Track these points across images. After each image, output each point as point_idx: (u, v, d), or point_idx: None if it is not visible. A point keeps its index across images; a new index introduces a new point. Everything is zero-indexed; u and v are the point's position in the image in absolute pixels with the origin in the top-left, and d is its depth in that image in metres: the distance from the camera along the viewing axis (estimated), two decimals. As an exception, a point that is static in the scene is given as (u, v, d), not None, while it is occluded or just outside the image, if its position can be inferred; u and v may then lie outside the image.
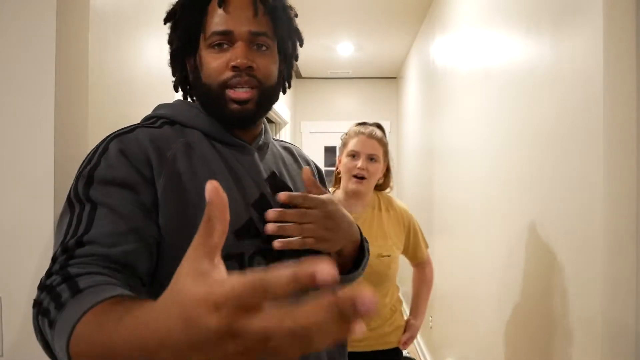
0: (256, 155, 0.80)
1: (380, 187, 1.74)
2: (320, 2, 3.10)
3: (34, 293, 0.84)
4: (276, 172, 0.83)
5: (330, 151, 5.49)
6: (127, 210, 0.64)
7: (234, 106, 0.75)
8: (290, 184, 0.83)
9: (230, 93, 0.74)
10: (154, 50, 1.30)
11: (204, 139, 0.76)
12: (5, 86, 0.86)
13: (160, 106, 0.83)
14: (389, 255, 1.59)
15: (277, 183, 0.81)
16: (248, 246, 0.71)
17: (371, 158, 1.61)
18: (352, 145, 1.62)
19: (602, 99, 1.01)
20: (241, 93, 0.74)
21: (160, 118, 0.79)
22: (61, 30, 0.88)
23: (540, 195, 1.35)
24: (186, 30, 0.79)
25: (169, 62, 0.84)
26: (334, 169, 5.90)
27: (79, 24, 0.94)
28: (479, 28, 2.05)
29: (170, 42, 0.83)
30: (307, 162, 0.94)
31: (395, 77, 5.33)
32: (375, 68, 4.98)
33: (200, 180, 0.71)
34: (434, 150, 3.11)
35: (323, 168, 5.40)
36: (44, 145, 0.86)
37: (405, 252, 1.72)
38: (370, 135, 1.62)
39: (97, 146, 0.71)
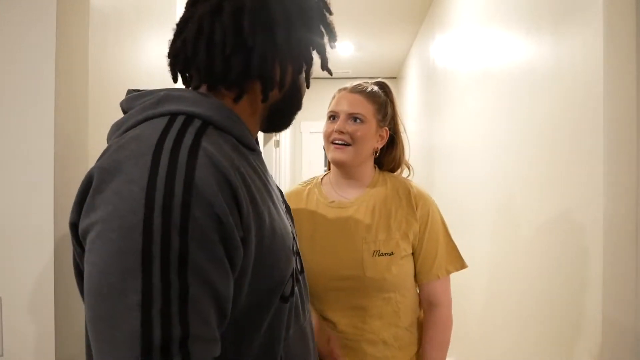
0: (263, 159, 0.78)
1: (384, 165, 1.26)
2: (320, 2, 3.09)
3: (34, 293, 0.84)
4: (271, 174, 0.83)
5: (330, 151, 5.48)
6: (222, 287, 0.53)
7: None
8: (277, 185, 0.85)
9: None
10: (154, 50, 1.30)
11: (238, 146, 0.65)
12: (5, 86, 0.86)
13: (175, 97, 0.62)
14: (390, 254, 1.11)
15: (277, 187, 0.82)
16: (295, 260, 0.72)
17: (354, 118, 1.15)
18: (331, 105, 1.21)
19: (602, 99, 1.01)
20: None
21: (192, 116, 0.60)
22: (61, 30, 0.88)
23: (540, 195, 1.35)
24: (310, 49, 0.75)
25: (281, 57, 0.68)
26: (334, 168, 5.80)
27: (79, 24, 0.94)
28: (479, 28, 2.05)
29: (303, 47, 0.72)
30: None
31: (395, 77, 5.33)
32: (375, 68, 4.98)
33: (265, 204, 0.63)
34: (434, 150, 3.10)
35: (323, 168, 5.43)
36: (44, 145, 0.86)
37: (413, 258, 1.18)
38: (354, 89, 1.18)
39: (169, 163, 0.52)
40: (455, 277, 1.26)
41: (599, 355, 1.02)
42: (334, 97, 1.23)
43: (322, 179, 1.29)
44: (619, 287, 0.97)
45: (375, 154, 1.21)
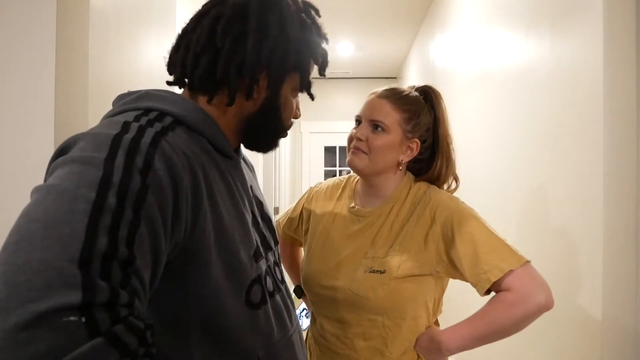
0: (242, 168, 0.77)
1: (426, 176, 1.12)
2: (320, 2, 3.10)
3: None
4: (252, 185, 0.81)
5: (330, 151, 5.49)
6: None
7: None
8: (258, 195, 0.83)
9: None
10: (153, 50, 1.30)
11: (208, 148, 0.67)
12: (5, 86, 0.86)
13: (153, 96, 0.65)
14: (382, 271, 1.00)
15: (255, 198, 0.80)
16: (261, 267, 0.71)
17: (375, 126, 1.05)
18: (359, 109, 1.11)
19: (602, 99, 1.01)
20: None
21: (165, 114, 0.63)
22: (61, 30, 0.88)
23: (540, 196, 1.35)
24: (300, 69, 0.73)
25: (245, 69, 0.67)
26: (334, 169, 5.83)
27: (79, 24, 0.94)
28: (479, 28, 2.05)
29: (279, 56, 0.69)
30: (247, 163, 0.90)
31: (395, 77, 5.33)
32: (375, 68, 4.97)
33: (225, 206, 0.65)
34: (434, 150, 3.10)
35: (323, 168, 5.44)
36: (44, 145, 0.86)
37: (457, 274, 1.01)
38: (382, 94, 1.07)
39: (129, 156, 0.52)
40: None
41: (599, 355, 1.02)
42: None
43: (359, 179, 1.18)
44: (619, 288, 0.97)
45: (400, 167, 1.09)
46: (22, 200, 0.85)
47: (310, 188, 1.27)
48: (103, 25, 1.02)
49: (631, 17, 0.96)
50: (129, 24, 1.16)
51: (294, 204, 1.29)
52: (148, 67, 1.26)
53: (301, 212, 1.23)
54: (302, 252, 1.23)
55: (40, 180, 0.87)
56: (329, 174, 5.44)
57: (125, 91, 0.69)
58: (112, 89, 1.06)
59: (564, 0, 1.21)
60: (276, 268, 0.78)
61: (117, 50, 1.09)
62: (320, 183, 1.26)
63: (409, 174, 1.12)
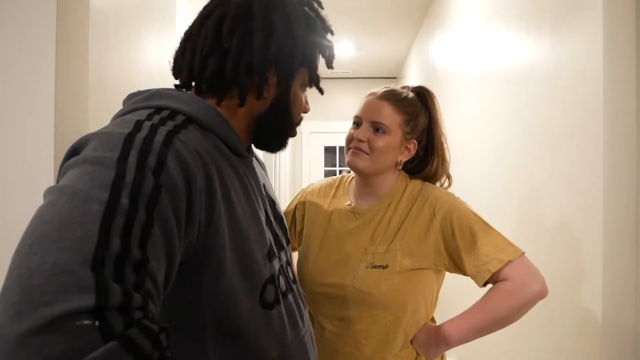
0: (254, 167, 0.77)
1: (421, 174, 1.13)
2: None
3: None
4: (265, 184, 0.81)
5: (330, 151, 5.49)
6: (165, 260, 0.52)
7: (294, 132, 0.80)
8: (271, 194, 0.83)
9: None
10: (154, 50, 1.30)
11: (221, 147, 0.67)
12: (5, 86, 0.86)
13: (164, 94, 0.65)
14: (384, 266, 1.01)
15: (267, 196, 0.80)
16: (274, 266, 0.71)
17: (377, 128, 1.06)
18: (357, 109, 1.12)
19: (602, 99, 1.01)
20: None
21: (177, 112, 0.62)
22: (61, 30, 0.88)
23: (540, 196, 1.35)
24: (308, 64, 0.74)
25: (254, 67, 0.67)
26: (334, 169, 5.83)
27: (79, 24, 0.94)
28: (479, 28, 2.05)
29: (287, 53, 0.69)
30: (259, 162, 0.90)
31: (395, 77, 5.33)
32: (375, 68, 4.98)
33: (241, 205, 0.65)
34: (434, 150, 3.10)
35: (323, 168, 5.44)
36: (44, 145, 0.86)
37: (456, 267, 1.04)
38: (383, 96, 1.08)
39: (144, 153, 0.52)
40: (461, 279, 1.25)
41: (599, 355, 1.02)
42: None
43: (353, 177, 1.20)
44: (619, 287, 0.97)
45: (398, 167, 1.11)
46: (22, 199, 0.85)
47: (303, 189, 1.27)
48: (103, 25, 1.02)
49: (631, 17, 0.96)
50: (129, 24, 1.16)
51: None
52: (148, 67, 1.26)
53: (294, 214, 1.23)
54: (295, 255, 1.23)
55: (39, 180, 0.87)
56: (329, 174, 5.45)
57: (125, 91, 0.69)
58: (112, 88, 1.06)
59: (564, 0, 1.21)
60: (288, 267, 0.78)
61: (117, 50, 1.09)
62: (313, 184, 1.27)
63: (402, 172, 1.14)
